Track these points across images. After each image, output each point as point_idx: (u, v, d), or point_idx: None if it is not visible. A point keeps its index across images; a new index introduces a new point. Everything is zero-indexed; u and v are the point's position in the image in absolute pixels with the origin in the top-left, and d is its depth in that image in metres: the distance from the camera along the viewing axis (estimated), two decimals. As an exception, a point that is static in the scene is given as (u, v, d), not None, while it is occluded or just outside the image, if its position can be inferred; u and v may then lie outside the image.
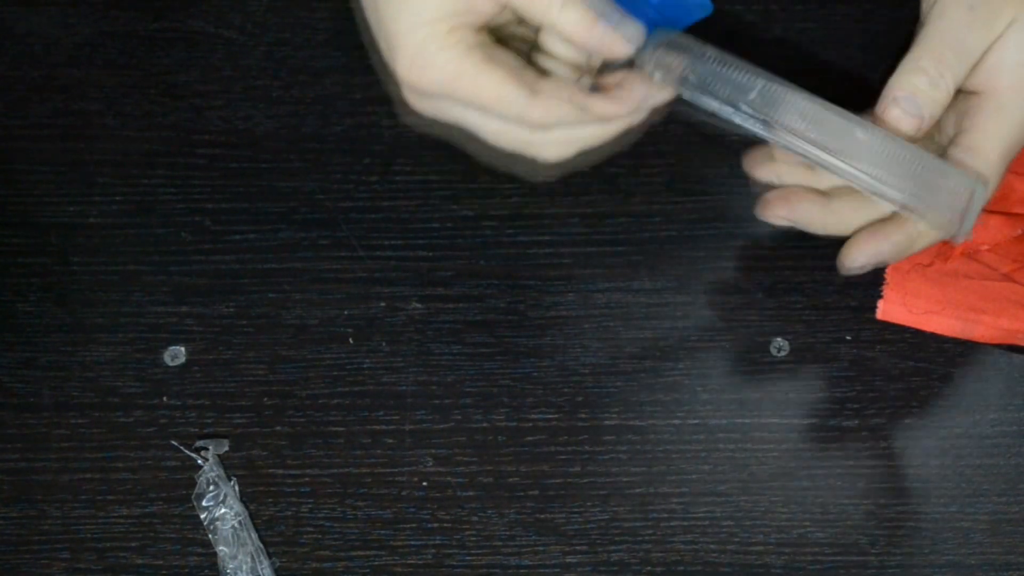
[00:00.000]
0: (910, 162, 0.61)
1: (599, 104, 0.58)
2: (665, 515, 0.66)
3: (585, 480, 0.67)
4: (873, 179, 0.61)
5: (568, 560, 0.65)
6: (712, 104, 0.61)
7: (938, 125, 0.65)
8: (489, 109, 0.58)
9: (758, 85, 0.61)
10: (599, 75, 0.61)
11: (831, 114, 0.61)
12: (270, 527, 0.65)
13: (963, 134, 0.64)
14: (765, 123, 0.61)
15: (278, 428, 0.68)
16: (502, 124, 0.59)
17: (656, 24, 0.61)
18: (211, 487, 0.65)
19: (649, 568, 0.64)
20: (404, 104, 0.61)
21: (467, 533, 0.65)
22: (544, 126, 0.58)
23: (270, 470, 0.67)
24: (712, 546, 0.65)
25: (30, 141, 0.76)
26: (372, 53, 0.61)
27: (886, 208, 0.64)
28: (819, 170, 0.63)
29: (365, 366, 0.70)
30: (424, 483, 0.66)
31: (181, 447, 0.67)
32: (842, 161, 0.61)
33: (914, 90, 0.62)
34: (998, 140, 0.63)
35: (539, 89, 0.58)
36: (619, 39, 0.58)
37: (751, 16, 0.77)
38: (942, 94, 0.62)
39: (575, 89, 0.59)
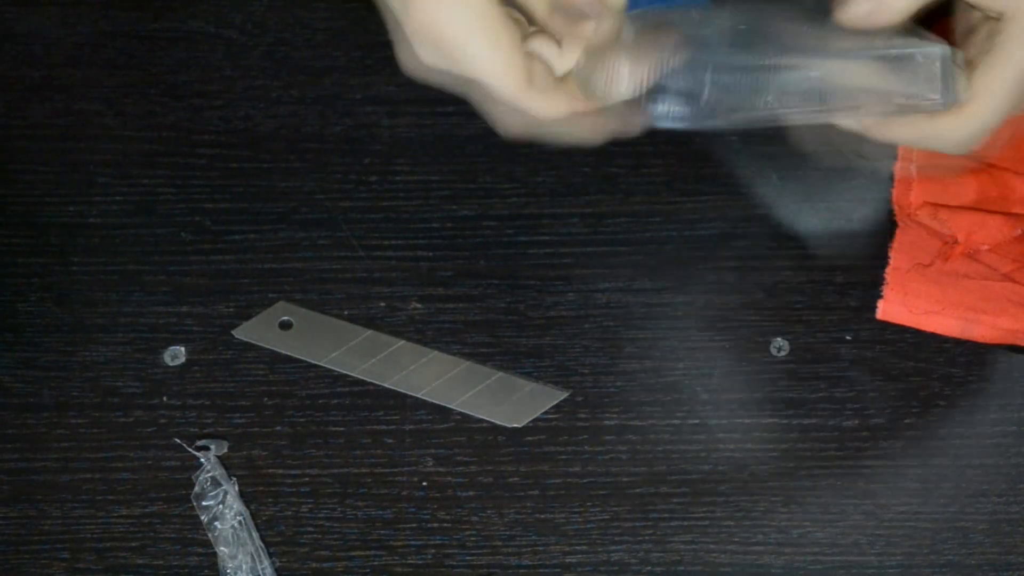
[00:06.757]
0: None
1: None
2: (665, 515, 0.66)
3: (585, 480, 0.66)
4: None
5: (568, 560, 0.64)
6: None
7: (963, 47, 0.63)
8: (487, 82, 0.58)
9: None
10: None
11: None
12: (270, 527, 0.65)
13: (983, 55, 0.61)
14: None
15: (278, 428, 0.68)
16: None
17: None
18: (211, 487, 0.65)
19: (649, 568, 0.64)
20: (406, 55, 0.59)
21: (467, 533, 0.65)
22: (536, 117, 0.58)
23: (270, 470, 0.67)
24: (712, 546, 0.65)
25: (30, 141, 0.76)
26: (383, 9, 0.59)
27: None
28: None
29: (365, 366, 0.70)
30: (424, 483, 0.66)
31: (184, 445, 0.66)
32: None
33: None
34: (1012, 64, 0.60)
35: (535, 80, 0.58)
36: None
37: None
38: None
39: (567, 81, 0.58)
